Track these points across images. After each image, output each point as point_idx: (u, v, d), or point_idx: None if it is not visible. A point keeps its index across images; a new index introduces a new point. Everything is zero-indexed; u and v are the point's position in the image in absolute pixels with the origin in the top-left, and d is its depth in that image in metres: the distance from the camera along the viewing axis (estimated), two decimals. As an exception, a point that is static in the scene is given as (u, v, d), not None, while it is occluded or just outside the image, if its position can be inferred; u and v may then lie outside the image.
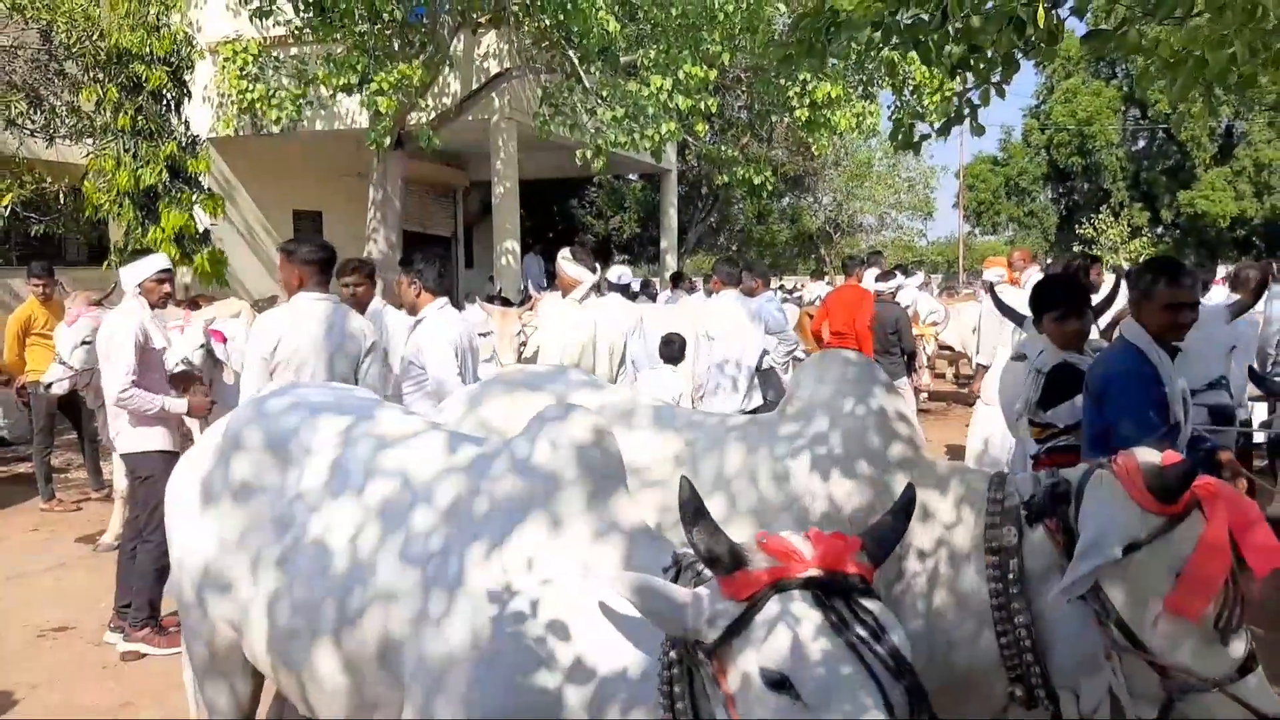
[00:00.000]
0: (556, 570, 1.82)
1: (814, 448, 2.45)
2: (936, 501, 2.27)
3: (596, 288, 5.66)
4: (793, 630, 1.46)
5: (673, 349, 6.39)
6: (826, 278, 16.23)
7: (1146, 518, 1.97)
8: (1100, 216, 32.00)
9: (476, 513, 1.95)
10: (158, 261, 4.83)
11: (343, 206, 13.74)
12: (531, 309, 7.64)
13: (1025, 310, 3.87)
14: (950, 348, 11.80)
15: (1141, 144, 37.44)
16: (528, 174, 15.00)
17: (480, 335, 5.88)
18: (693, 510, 1.56)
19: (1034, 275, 7.34)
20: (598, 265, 5.53)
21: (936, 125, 3.19)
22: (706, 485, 2.50)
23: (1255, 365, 5.86)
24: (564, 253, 5.28)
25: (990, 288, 5.59)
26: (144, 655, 4.47)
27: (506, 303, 9.24)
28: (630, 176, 24.34)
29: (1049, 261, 10.62)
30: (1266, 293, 6.66)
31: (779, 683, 1.44)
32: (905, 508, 1.70)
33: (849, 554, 1.55)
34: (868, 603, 1.51)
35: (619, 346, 5.37)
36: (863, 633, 1.46)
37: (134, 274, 4.70)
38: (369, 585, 1.98)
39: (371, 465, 2.18)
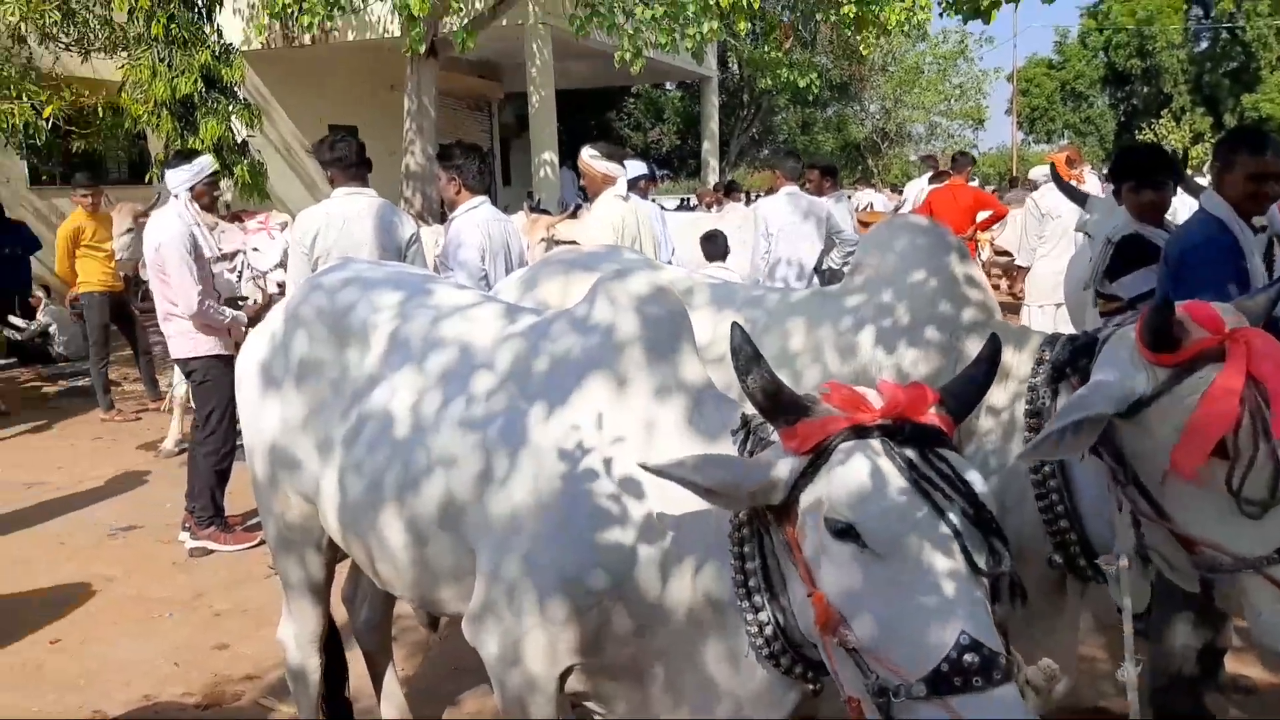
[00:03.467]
0: (625, 428, 1.77)
1: (880, 318, 2.35)
2: (1010, 357, 2.17)
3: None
4: (858, 475, 1.38)
5: (716, 245, 6.28)
6: (875, 186, 15.81)
7: (1153, 370, 1.79)
8: (1161, 122, 30.73)
9: (536, 373, 1.91)
10: (207, 162, 4.80)
11: (377, 120, 13.58)
12: (573, 216, 7.47)
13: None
14: (1008, 252, 11.51)
15: (1204, 45, 35.58)
16: (564, 84, 14.68)
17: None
18: (746, 357, 1.46)
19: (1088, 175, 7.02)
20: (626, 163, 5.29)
21: None
22: (770, 363, 2.41)
23: None
24: (588, 150, 4.77)
25: (1053, 171, 5.33)
26: (210, 552, 4.59)
27: (547, 214, 9.10)
28: (669, 86, 23.74)
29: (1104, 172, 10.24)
30: None
31: (844, 531, 1.36)
32: (990, 360, 1.60)
33: (925, 405, 1.46)
34: (943, 451, 1.42)
35: (653, 246, 5.21)
36: (935, 478, 1.36)
37: (183, 176, 4.63)
38: (431, 449, 1.96)
39: (430, 336, 2.14)
